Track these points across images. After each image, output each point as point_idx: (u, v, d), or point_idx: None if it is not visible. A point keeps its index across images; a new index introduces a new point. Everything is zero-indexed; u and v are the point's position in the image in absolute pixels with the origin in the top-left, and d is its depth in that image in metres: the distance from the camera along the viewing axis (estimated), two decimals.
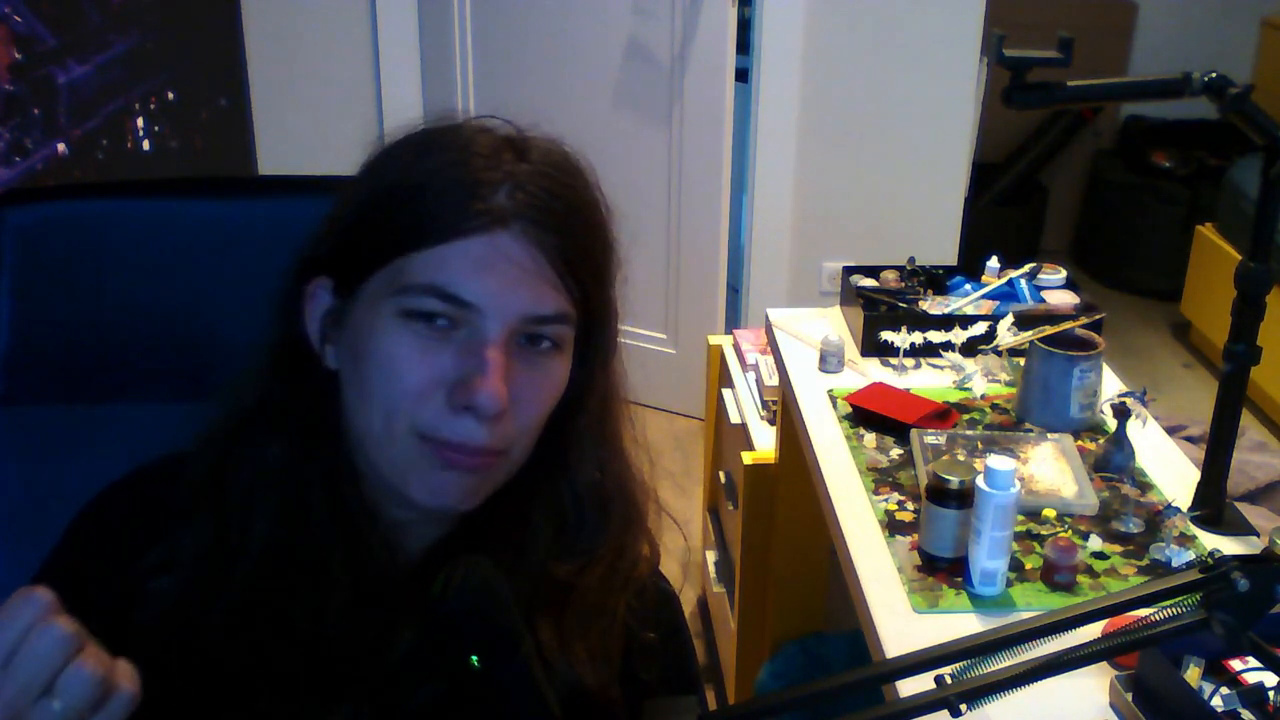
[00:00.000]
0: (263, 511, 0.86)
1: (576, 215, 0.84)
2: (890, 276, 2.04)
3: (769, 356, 2.27)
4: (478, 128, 0.86)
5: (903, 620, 1.30)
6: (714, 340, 2.60)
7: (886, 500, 1.52)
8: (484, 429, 0.81)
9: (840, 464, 1.61)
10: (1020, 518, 1.44)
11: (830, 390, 1.80)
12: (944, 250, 3.26)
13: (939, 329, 1.87)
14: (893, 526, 1.46)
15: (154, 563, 0.86)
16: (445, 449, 0.82)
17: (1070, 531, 1.45)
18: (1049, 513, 1.48)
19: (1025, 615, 1.07)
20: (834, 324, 2.03)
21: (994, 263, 2.04)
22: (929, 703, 0.67)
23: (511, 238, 0.80)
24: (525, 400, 0.83)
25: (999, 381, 1.81)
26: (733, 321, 3.45)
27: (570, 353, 0.87)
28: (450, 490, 0.84)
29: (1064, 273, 2.04)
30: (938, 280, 2.04)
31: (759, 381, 2.32)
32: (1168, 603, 0.70)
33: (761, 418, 2.26)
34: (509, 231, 0.80)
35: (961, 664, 0.68)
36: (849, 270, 2.07)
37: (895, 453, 1.63)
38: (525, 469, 0.90)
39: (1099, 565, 1.39)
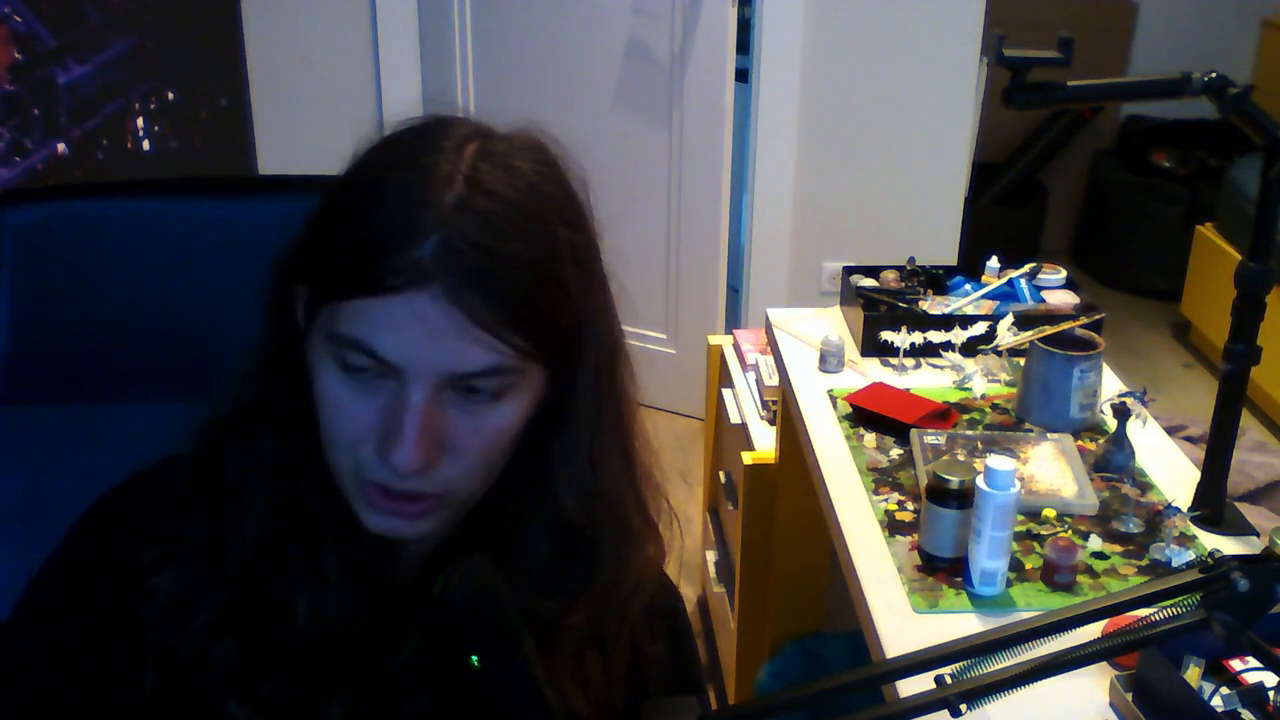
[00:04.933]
0: (255, 504, 0.86)
1: (517, 268, 0.78)
2: (890, 276, 2.04)
3: (769, 356, 2.27)
4: (438, 148, 0.80)
5: (903, 620, 1.30)
6: (714, 340, 2.60)
7: (886, 500, 1.52)
8: (411, 480, 0.80)
9: (840, 464, 1.61)
10: (1020, 518, 1.44)
11: (830, 390, 1.80)
12: (944, 250, 3.26)
13: (939, 329, 1.87)
14: (893, 526, 1.46)
15: (153, 559, 0.87)
16: (380, 495, 0.82)
17: (1070, 531, 1.45)
18: (1049, 513, 1.48)
19: (1025, 615, 1.07)
20: (834, 324, 2.03)
21: (994, 263, 2.04)
22: (929, 703, 0.67)
23: (430, 299, 0.76)
24: (463, 447, 0.81)
25: (999, 381, 1.81)
26: (733, 321, 3.46)
27: (526, 392, 0.83)
28: (396, 528, 0.84)
29: (1064, 273, 2.04)
30: (938, 280, 2.04)
31: (759, 381, 2.32)
32: (1168, 603, 0.70)
33: (761, 418, 2.26)
34: (427, 292, 0.75)
35: (961, 664, 0.68)
36: (849, 270, 2.07)
37: (895, 453, 1.63)
38: (514, 492, 0.89)
39: (1099, 565, 1.39)
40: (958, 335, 1.86)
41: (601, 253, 0.88)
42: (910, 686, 0.71)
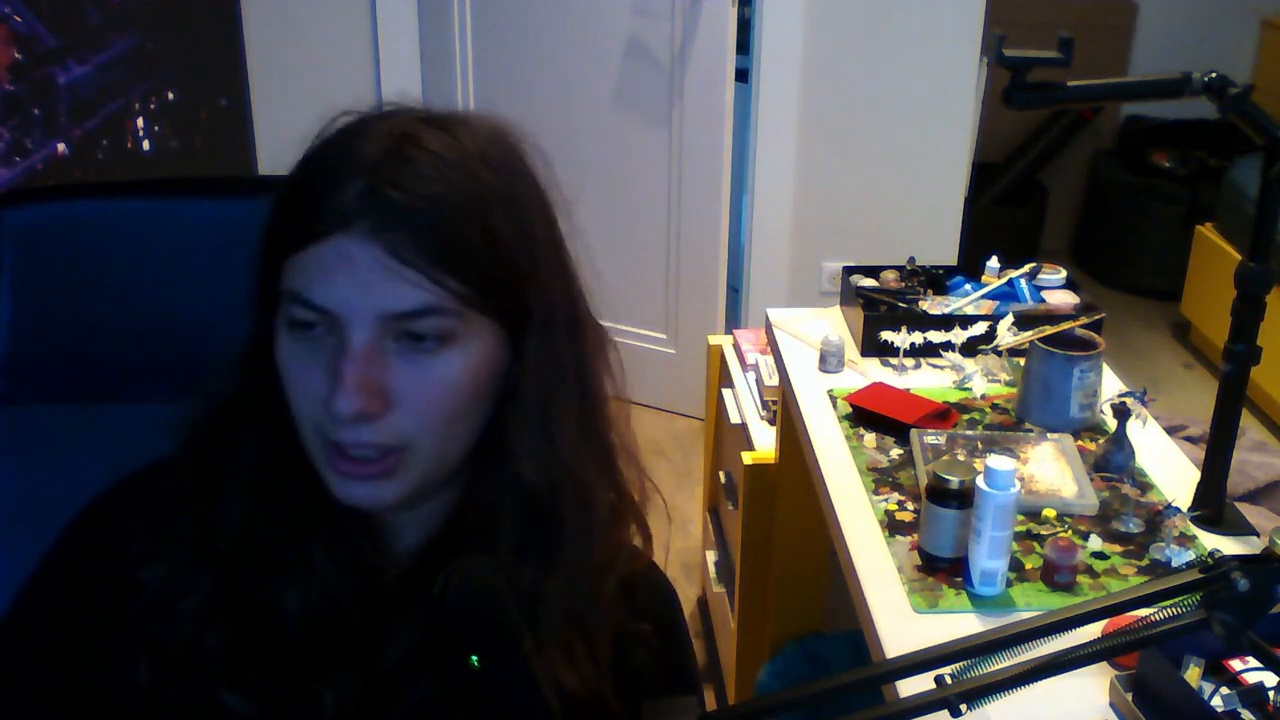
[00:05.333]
0: (243, 496, 0.87)
1: (437, 205, 0.80)
2: (890, 276, 2.04)
3: (769, 356, 2.27)
4: (385, 117, 0.86)
5: (903, 620, 1.30)
6: (714, 340, 2.60)
7: (886, 500, 1.52)
8: (365, 430, 0.81)
9: (840, 464, 1.61)
10: (1020, 518, 1.44)
11: (830, 390, 1.80)
12: (944, 250, 3.26)
13: (939, 329, 1.87)
14: (893, 526, 1.46)
15: (143, 553, 0.87)
16: (341, 459, 0.83)
17: (1070, 531, 1.45)
18: (1049, 513, 1.48)
19: (1025, 615, 1.07)
20: (834, 324, 2.03)
21: (994, 263, 2.05)
22: (929, 703, 0.67)
23: (356, 240, 0.78)
24: (411, 398, 0.81)
25: (999, 381, 1.81)
26: (733, 321, 3.45)
27: (473, 345, 0.83)
28: (361, 494, 0.84)
29: (1064, 273, 2.04)
30: (938, 280, 2.04)
31: (759, 381, 2.32)
32: (1168, 603, 0.70)
33: (761, 418, 2.26)
34: (352, 234, 0.78)
35: (961, 664, 0.68)
36: (849, 270, 2.07)
37: (895, 453, 1.63)
38: (480, 464, 0.89)
39: (1099, 565, 1.39)
40: (958, 335, 1.86)
41: (561, 226, 0.89)
42: (910, 686, 0.71)
